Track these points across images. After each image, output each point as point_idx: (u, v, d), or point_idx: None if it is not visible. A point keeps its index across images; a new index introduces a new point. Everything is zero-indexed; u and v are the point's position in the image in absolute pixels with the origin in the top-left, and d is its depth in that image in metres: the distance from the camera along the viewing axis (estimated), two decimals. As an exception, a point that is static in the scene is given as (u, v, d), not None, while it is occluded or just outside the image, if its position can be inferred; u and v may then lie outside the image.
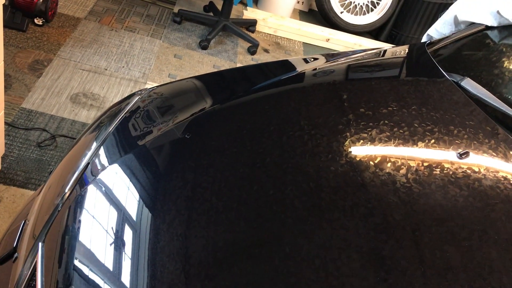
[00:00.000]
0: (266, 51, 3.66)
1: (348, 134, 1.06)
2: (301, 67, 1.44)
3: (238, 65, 3.32)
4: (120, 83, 2.68)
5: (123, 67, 2.83)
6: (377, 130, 1.07)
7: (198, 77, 1.38)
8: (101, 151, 1.06)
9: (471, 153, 1.04)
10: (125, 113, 1.18)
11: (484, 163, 1.03)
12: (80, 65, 2.70)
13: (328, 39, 4.00)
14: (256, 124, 1.12)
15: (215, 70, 3.15)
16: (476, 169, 1.01)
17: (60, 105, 2.37)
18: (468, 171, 1.00)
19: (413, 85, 1.33)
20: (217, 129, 1.11)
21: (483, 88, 1.26)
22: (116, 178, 1.00)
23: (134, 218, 0.91)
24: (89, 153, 1.07)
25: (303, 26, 3.98)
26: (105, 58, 2.84)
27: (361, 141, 1.05)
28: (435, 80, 1.33)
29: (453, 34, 1.80)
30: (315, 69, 1.42)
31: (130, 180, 0.99)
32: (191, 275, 0.77)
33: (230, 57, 3.38)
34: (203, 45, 3.34)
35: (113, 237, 0.88)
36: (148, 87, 1.31)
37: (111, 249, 0.86)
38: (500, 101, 1.21)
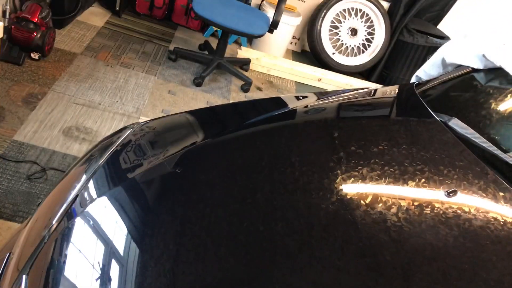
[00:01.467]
0: (259, 89, 3.71)
1: (339, 171, 1.07)
2: (292, 104, 1.47)
3: (231, 101, 3.35)
4: (113, 117, 2.69)
5: (117, 102, 2.85)
6: (368, 169, 1.08)
7: (190, 112, 1.40)
8: (90, 184, 1.06)
9: (459, 193, 1.05)
10: (116, 146, 1.18)
11: (473, 203, 1.04)
12: (74, 99, 2.72)
13: (320, 79, 4.07)
14: (247, 159, 1.13)
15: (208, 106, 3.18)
16: (466, 209, 1.01)
17: (52, 138, 2.37)
18: (458, 211, 1.00)
19: (403, 125, 1.36)
20: (207, 163, 1.12)
21: (471, 129, 1.28)
22: (104, 211, 0.99)
23: (122, 253, 0.89)
24: (78, 186, 1.07)
25: (296, 66, 4.06)
26: (99, 93, 2.86)
27: (352, 179, 1.05)
28: (424, 120, 1.35)
29: (441, 75, 1.84)
30: (307, 106, 1.45)
31: (119, 214, 0.98)
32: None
33: (223, 94, 3.42)
34: (197, 82, 3.38)
35: (100, 272, 0.87)
36: (141, 121, 1.32)
37: (96, 285, 0.85)
38: (487, 141, 1.23)
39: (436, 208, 1.00)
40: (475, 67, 1.66)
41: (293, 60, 4.35)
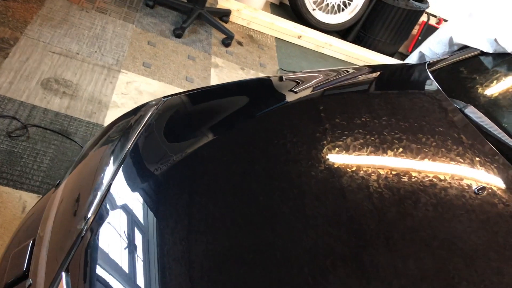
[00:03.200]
0: (240, 43, 3.60)
1: (366, 148, 1.12)
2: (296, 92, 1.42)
3: (213, 56, 3.24)
4: (93, 69, 2.54)
5: (96, 52, 2.68)
6: (386, 142, 1.15)
7: (204, 91, 1.32)
8: (120, 174, 0.99)
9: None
10: (139, 131, 1.10)
11: (450, 170, 1.11)
12: (50, 47, 2.52)
13: (300, 36, 3.99)
14: (246, 138, 1.13)
15: (190, 60, 3.06)
16: (442, 177, 1.08)
17: (31, 90, 2.20)
18: (434, 179, 1.07)
19: (413, 101, 1.37)
20: (213, 145, 1.10)
21: (484, 115, 1.31)
22: (137, 205, 0.94)
23: (158, 248, 0.86)
24: (107, 175, 1.00)
25: (276, 21, 3.94)
26: (76, 41, 2.67)
27: (357, 151, 1.07)
28: (437, 102, 1.37)
29: (447, 54, 1.85)
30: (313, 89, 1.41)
31: (152, 207, 0.93)
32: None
33: (204, 48, 3.29)
34: (177, 33, 3.22)
35: (140, 271, 0.83)
36: (159, 98, 1.24)
37: (138, 285, 0.81)
38: (494, 125, 1.28)
39: (418, 178, 1.05)
40: (485, 50, 1.66)
41: (271, 12, 4.22)
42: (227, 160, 1.05)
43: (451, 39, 1.81)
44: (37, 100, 2.17)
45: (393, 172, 1.07)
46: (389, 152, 1.13)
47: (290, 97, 1.30)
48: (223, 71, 3.16)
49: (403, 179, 1.06)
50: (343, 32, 4.57)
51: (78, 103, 2.29)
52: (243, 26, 3.86)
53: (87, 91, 2.38)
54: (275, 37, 3.95)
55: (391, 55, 4.62)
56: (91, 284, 0.82)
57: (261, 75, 3.35)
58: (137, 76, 2.68)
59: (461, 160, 1.15)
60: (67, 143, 2.05)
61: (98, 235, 0.88)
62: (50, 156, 1.96)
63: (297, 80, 1.43)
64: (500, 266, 0.93)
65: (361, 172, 1.05)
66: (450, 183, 1.07)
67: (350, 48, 4.23)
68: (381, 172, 1.07)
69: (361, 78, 1.50)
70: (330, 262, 0.84)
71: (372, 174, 1.05)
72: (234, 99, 1.32)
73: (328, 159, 1.08)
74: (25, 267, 0.94)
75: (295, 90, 1.31)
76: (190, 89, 2.79)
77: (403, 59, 4.85)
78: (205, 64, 3.13)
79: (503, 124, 1.38)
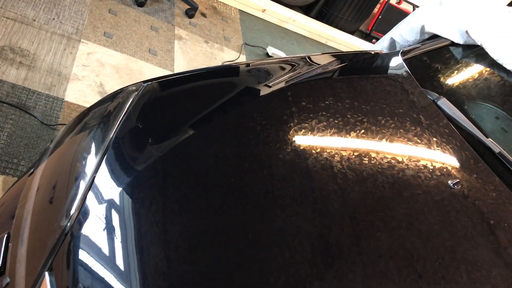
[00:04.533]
0: (204, 15, 3.50)
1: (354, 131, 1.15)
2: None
3: (176, 28, 3.14)
4: (51, 38, 2.40)
5: (54, 19, 2.52)
6: (322, 121, 1.19)
7: (185, 77, 1.28)
8: (104, 166, 0.95)
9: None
10: (121, 119, 1.06)
11: (406, 152, 1.19)
12: (3, 11, 2.35)
13: (264, 10, 3.94)
14: (217, 122, 1.14)
15: (153, 31, 2.95)
16: (400, 159, 1.15)
17: (-16, 60, 2.06)
18: (393, 161, 1.13)
19: (387, 89, 1.41)
20: (189, 129, 1.10)
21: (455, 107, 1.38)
22: (124, 201, 0.91)
23: (145, 247, 0.84)
24: (90, 165, 0.96)
25: (241, -7, 3.86)
26: (32, 6, 2.50)
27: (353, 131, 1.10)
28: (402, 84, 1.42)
29: (417, 42, 1.89)
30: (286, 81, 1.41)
31: (140, 203, 0.91)
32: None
33: (167, 18, 3.18)
34: (140, 2, 3.09)
35: (127, 270, 0.82)
36: (139, 83, 1.19)
37: (125, 279, 0.80)
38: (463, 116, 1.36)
39: (375, 159, 1.12)
40: (456, 41, 1.71)
41: (235, -16, 4.12)
42: (201, 145, 1.05)
43: (422, 28, 1.84)
44: (-8, 71, 2.04)
45: (356, 154, 1.12)
46: (352, 134, 1.18)
47: (262, 90, 1.30)
48: (187, 43, 3.08)
49: (364, 161, 1.11)
50: (306, 7, 4.55)
51: (36, 74, 2.16)
52: (206, -4, 3.75)
53: (46, 61, 2.25)
54: (239, 10, 3.87)
55: (352, 32, 4.66)
56: (77, 283, 0.80)
57: (226, 49, 3.30)
58: (98, 46, 2.56)
59: (425, 144, 1.22)
60: (26, 118, 1.95)
61: (82, 232, 0.85)
62: (7, 132, 1.85)
63: (268, 71, 1.41)
64: (453, 244, 0.99)
65: (325, 153, 1.09)
66: (407, 164, 1.13)
67: (313, 24, 4.22)
68: (345, 153, 1.12)
69: (335, 67, 1.51)
70: (297, 242, 0.88)
71: (336, 155, 1.10)
72: (210, 85, 1.30)
73: (295, 141, 1.10)
74: (0, 263, 0.90)
75: (268, 84, 1.30)
76: (154, 62, 2.71)
77: (363, 37, 4.91)
78: (169, 36, 3.03)
79: (471, 116, 1.44)
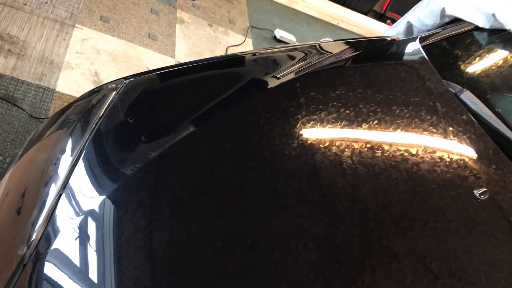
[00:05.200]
0: (208, -4, 3.33)
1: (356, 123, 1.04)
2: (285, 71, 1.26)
3: (178, 10, 2.97)
4: (43, 23, 2.25)
5: (46, 3, 2.38)
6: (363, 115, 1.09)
7: (177, 71, 1.14)
8: (75, 178, 0.82)
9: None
10: (102, 114, 0.93)
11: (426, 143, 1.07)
12: (-9, -5, 2.21)
13: (272, -10, 3.74)
14: (218, 114, 1.04)
15: (153, 15, 2.79)
16: (414, 151, 1.05)
17: (-31, 48, 1.93)
18: (405, 154, 1.03)
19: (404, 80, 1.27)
20: (185, 127, 1.00)
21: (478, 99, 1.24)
22: (101, 211, 0.79)
23: (126, 265, 0.72)
24: (63, 171, 0.83)
25: (247, -28, 3.67)
26: (23, -11, 2.36)
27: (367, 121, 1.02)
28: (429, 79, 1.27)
29: (437, 26, 1.71)
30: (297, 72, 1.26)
31: (107, 225, 0.78)
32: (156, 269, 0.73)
33: (169, 0, 3.02)
34: (139, -17, 2.92)
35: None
36: (121, 79, 1.05)
37: None
38: (480, 101, 1.23)
39: (388, 153, 1.02)
40: (480, 25, 1.54)
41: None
42: (196, 140, 0.96)
43: (443, 10, 1.66)
44: (-23, 60, 1.91)
45: (367, 147, 1.03)
46: (364, 125, 1.08)
47: (269, 81, 1.16)
48: (189, 27, 2.92)
49: (376, 155, 1.01)
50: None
51: (26, 63, 2.03)
52: (211, -24, 3.56)
53: (37, 49, 2.12)
54: (246, -10, 3.69)
55: (365, 13, 4.44)
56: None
57: (230, 32, 3.13)
58: (94, 32, 2.41)
59: (445, 135, 1.11)
60: (14, 111, 1.82)
61: (45, 261, 0.73)
62: (-7, 127, 1.73)
63: (275, 61, 1.27)
64: (471, 243, 0.91)
65: (334, 147, 1.00)
66: (423, 158, 1.04)
67: (324, 4, 4.02)
68: (355, 147, 1.02)
69: (348, 56, 1.35)
70: (302, 245, 0.80)
71: (346, 149, 1.00)
72: (205, 81, 1.16)
73: (302, 135, 1.01)
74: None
75: (276, 75, 1.15)
76: (153, 48, 2.56)
77: (377, 18, 4.69)
78: (170, 20, 2.87)
79: (496, 109, 1.29)
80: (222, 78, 1.18)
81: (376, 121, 1.09)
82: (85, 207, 0.79)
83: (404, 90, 1.21)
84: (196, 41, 2.83)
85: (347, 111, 1.09)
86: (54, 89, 2.00)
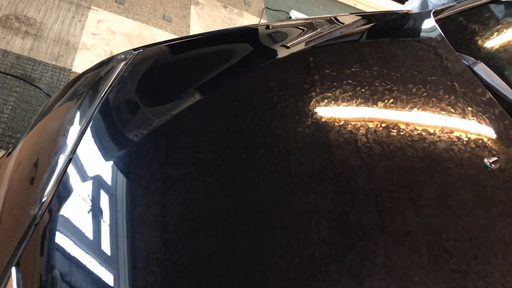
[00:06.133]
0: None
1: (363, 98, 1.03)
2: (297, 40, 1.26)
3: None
4: (59, 5, 2.28)
5: (62, -15, 2.41)
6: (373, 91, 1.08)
7: (181, 43, 1.14)
8: (86, 138, 0.84)
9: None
10: (110, 84, 0.94)
11: (439, 122, 1.06)
12: (9, -22, 2.24)
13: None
14: (230, 88, 1.04)
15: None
16: (431, 130, 1.04)
17: (-13, 29, 1.97)
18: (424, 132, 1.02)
19: (417, 53, 1.25)
20: (195, 103, 0.99)
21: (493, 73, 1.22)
22: (110, 179, 0.80)
23: (130, 239, 0.74)
24: (71, 138, 0.85)
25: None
26: (39, -28, 2.39)
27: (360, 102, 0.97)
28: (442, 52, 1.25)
29: (457, 2, 1.68)
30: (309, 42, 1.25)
31: (114, 189, 0.80)
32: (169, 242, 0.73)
33: (184, -18, 3.02)
34: (154, -35, 2.93)
35: (109, 265, 0.71)
36: (129, 50, 1.06)
37: (106, 282, 0.70)
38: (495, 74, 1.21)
39: (404, 130, 1.01)
40: None
41: None
42: (208, 116, 0.96)
43: (458, -16, 1.63)
44: (-4, 41, 1.95)
45: (383, 125, 1.02)
46: (380, 104, 1.07)
47: (279, 51, 1.15)
48: (204, 9, 2.92)
49: (392, 133, 1.00)
50: (333, -33, 4.28)
51: (42, 44, 2.06)
52: (226, -42, 3.55)
53: (53, 30, 2.15)
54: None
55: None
56: (48, 283, 0.70)
57: (245, 14, 3.12)
58: (109, 14, 2.43)
59: (458, 113, 1.09)
60: (31, 90, 1.86)
61: (57, 220, 0.75)
62: (11, 105, 1.77)
63: (286, 31, 1.26)
64: (487, 223, 0.90)
65: (349, 126, 0.99)
66: (440, 137, 1.03)
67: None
68: (370, 125, 1.01)
69: (358, 29, 1.34)
70: (315, 222, 0.79)
71: (361, 128, 1.00)
72: (217, 52, 1.16)
73: (316, 113, 1.00)
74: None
75: (287, 44, 1.15)
76: (168, 30, 2.57)
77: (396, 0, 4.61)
78: (184, 1, 2.87)
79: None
80: (234, 49, 1.18)
81: (391, 100, 1.08)
82: (92, 173, 0.81)
83: (418, 67, 1.19)
84: (210, 23, 2.83)
85: (362, 89, 1.08)
86: (71, 69, 2.03)
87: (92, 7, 2.40)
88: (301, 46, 1.17)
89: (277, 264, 0.73)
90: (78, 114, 0.93)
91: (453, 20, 1.48)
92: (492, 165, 0.99)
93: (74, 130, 0.89)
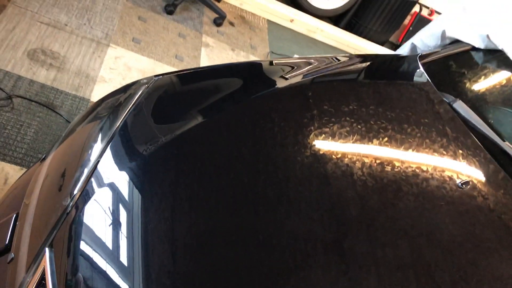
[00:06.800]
0: (232, 24, 3.56)
1: (344, 130, 1.13)
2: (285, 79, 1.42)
3: (204, 36, 3.20)
4: (81, 42, 2.49)
5: (85, 24, 2.62)
6: (345, 126, 1.16)
7: (200, 72, 1.31)
8: (108, 152, 0.98)
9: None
10: (129, 109, 1.09)
11: (435, 163, 1.13)
12: (38, 16, 2.46)
13: (292, 20, 3.96)
14: (234, 121, 1.13)
15: (181, 38, 3.02)
16: (424, 169, 1.10)
17: (16, 60, 2.16)
18: (417, 170, 1.09)
19: (397, 90, 1.38)
20: (203, 131, 1.10)
21: (472, 111, 1.33)
22: (123, 184, 0.93)
23: (140, 228, 0.86)
24: (95, 151, 0.99)
25: (269, 3, 3.91)
26: (65, 12, 2.61)
27: (327, 136, 1.11)
28: (420, 88, 1.39)
29: (438, 48, 1.86)
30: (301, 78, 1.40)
31: (138, 188, 0.93)
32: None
33: (195, 26, 3.25)
34: (169, 10, 3.17)
35: (124, 248, 0.84)
36: (151, 76, 1.22)
37: (121, 262, 0.82)
38: (475, 114, 1.31)
39: (398, 167, 1.07)
40: (476, 46, 1.68)
41: (265, -5, 4.17)
42: (214, 142, 1.05)
43: (443, 33, 1.82)
44: (23, 71, 2.13)
45: (377, 161, 1.08)
46: (375, 141, 1.14)
47: (280, 83, 1.30)
48: (214, 51, 3.14)
49: (387, 168, 1.07)
50: (335, 18, 4.56)
51: (65, 75, 2.25)
52: (235, 6, 3.81)
53: (75, 64, 2.34)
54: (267, 20, 3.92)
55: (382, 43, 4.63)
56: (75, 259, 0.83)
57: (252, 57, 3.33)
58: (126, 51, 2.64)
59: (445, 153, 1.16)
60: (52, 116, 2.03)
61: (83, 211, 0.88)
62: (34, 129, 1.93)
63: (288, 65, 1.42)
64: (476, 257, 0.94)
65: (346, 159, 1.06)
66: (432, 174, 1.09)
67: (341, 34, 4.22)
68: (366, 160, 1.08)
69: (352, 67, 1.51)
70: (311, 247, 0.86)
71: (357, 162, 1.06)
72: (225, 82, 1.31)
73: (315, 145, 1.08)
74: (7, 241, 0.94)
75: (286, 76, 1.31)
76: (180, 68, 2.77)
77: (393, 49, 4.86)
78: (196, 43, 3.09)
79: (489, 120, 1.40)
80: (240, 81, 1.33)
81: (386, 138, 1.16)
82: (111, 182, 0.94)
83: (411, 109, 1.28)
84: (219, 63, 3.04)
85: (359, 126, 1.16)
86: (89, 99, 2.21)
87: (111, 44, 2.61)
88: (301, 78, 1.32)
89: (275, 282, 0.80)
90: (101, 133, 1.06)
91: (437, 63, 1.65)
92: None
93: (97, 146, 1.02)
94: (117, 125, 1.04)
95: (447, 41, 1.85)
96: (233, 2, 3.79)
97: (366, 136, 1.15)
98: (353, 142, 1.13)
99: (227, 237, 0.85)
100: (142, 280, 0.79)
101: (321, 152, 1.06)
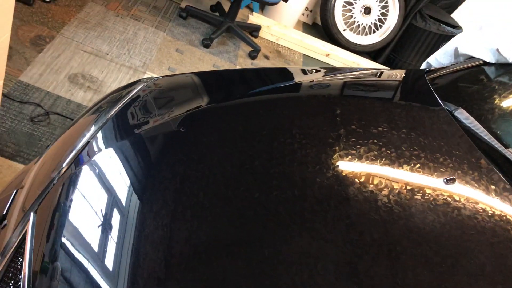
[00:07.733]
0: (267, 57, 3.70)
1: (337, 148, 1.09)
2: (299, 77, 1.48)
3: (237, 67, 3.35)
4: (119, 69, 2.70)
5: (125, 54, 2.85)
6: (366, 148, 1.10)
7: (199, 74, 1.41)
8: (99, 134, 1.09)
9: (456, 181, 1.08)
10: (126, 100, 1.20)
11: (466, 193, 1.07)
12: (82, 46, 2.71)
13: (328, 54, 4.06)
14: (249, 126, 1.13)
15: (215, 69, 3.18)
16: (457, 198, 1.04)
17: (58, 83, 2.38)
18: (449, 199, 1.04)
19: (408, 109, 1.38)
20: (211, 127, 1.13)
21: (474, 120, 1.29)
22: (110, 162, 1.02)
23: (123, 203, 0.93)
24: (88, 134, 1.10)
25: (305, 38, 4.04)
26: (107, 43, 2.86)
27: (350, 156, 1.08)
28: (430, 107, 1.37)
29: (452, 65, 1.86)
30: (312, 81, 1.47)
31: (123, 166, 1.01)
32: (171, 264, 0.79)
33: (230, 58, 3.42)
34: (206, 44, 3.37)
35: (102, 219, 0.91)
36: (152, 76, 1.34)
37: (98, 231, 0.88)
38: (489, 134, 1.23)
39: (427, 194, 1.03)
40: (487, 60, 1.67)
41: (303, 31, 4.32)
42: (226, 150, 1.03)
43: (456, 50, 1.82)
44: (63, 92, 2.34)
45: (403, 188, 1.03)
46: (406, 167, 1.09)
47: (306, 89, 1.33)
48: (246, 81, 3.27)
49: (415, 196, 1.02)
50: (374, 53, 4.60)
51: (100, 97, 2.44)
52: (271, 41, 3.97)
53: (111, 87, 2.54)
54: (303, 54, 4.03)
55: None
56: (54, 228, 0.91)
57: (284, 87, 3.43)
58: (160, 78, 2.82)
59: (477, 186, 1.09)
60: (84, 132, 2.20)
61: (68, 184, 0.97)
62: (66, 142, 2.10)
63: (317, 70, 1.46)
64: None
65: (371, 185, 1.01)
66: (464, 205, 1.03)
67: (378, 67, 4.24)
68: (390, 186, 1.02)
69: (389, 83, 1.53)
70: (321, 265, 0.81)
71: (380, 186, 1.01)
72: (229, 84, 1.39)
73: (337, 166, 1.03)
74: (5, 211, 1.05)
75: (313, 81, 1.34)
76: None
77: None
78: (229, 73, 3.24)
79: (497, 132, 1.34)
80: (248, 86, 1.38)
81: (418, 165, 1.09)
82: (100, 161, 1.04)
83: (444, 139, 1.21)
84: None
85: (388, 151, 1.11)
86: (119, 119, 2.38)
87: (147, 72, 2.80)
88: (318, 76, 1.34)
89: None
90: (96, 120, 1.15)
91: (445, 79, 1.65)
92: None
93: (91, 131, 1.12)
94: (112, 113, 1.15)
95: (461, 59, 1.85)
96: (270, 38, 3.95)
97: (409, 164, 1.09)
98: (380, 166, 1.08)
99: (229, 250, 0.82)
100: (130, 255, 0.81)
101: (343, 174, 1.01)
